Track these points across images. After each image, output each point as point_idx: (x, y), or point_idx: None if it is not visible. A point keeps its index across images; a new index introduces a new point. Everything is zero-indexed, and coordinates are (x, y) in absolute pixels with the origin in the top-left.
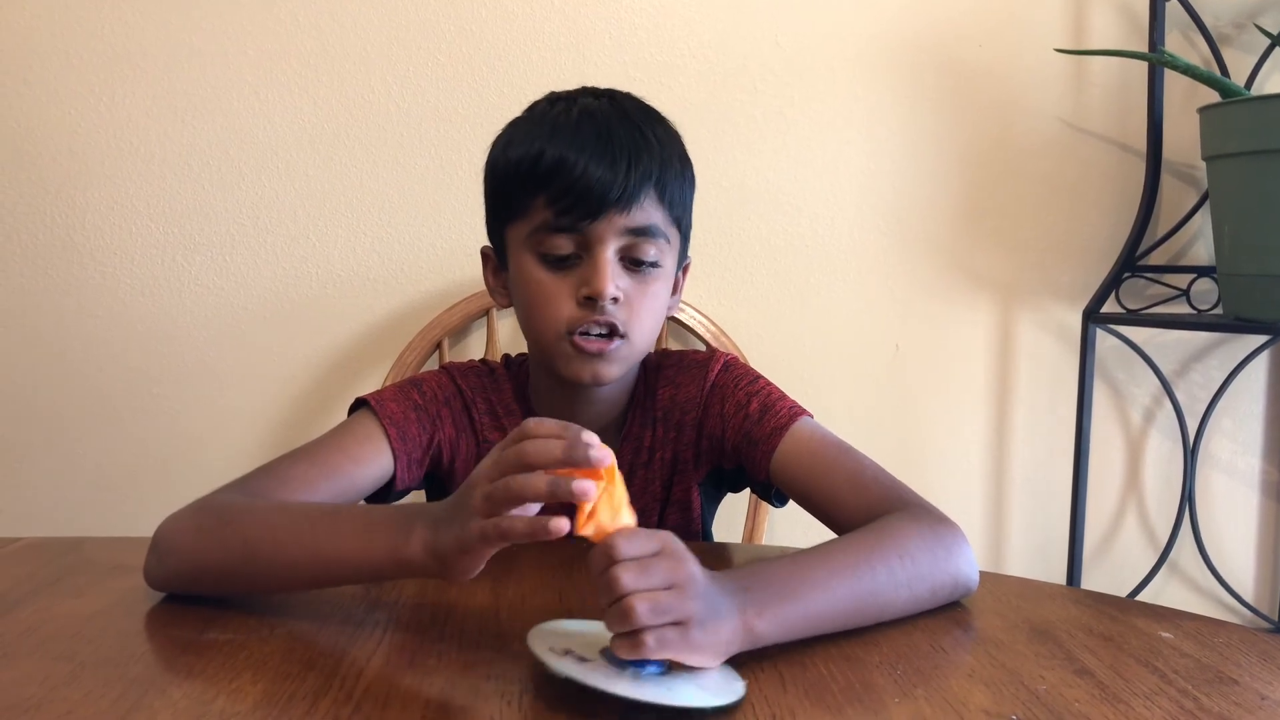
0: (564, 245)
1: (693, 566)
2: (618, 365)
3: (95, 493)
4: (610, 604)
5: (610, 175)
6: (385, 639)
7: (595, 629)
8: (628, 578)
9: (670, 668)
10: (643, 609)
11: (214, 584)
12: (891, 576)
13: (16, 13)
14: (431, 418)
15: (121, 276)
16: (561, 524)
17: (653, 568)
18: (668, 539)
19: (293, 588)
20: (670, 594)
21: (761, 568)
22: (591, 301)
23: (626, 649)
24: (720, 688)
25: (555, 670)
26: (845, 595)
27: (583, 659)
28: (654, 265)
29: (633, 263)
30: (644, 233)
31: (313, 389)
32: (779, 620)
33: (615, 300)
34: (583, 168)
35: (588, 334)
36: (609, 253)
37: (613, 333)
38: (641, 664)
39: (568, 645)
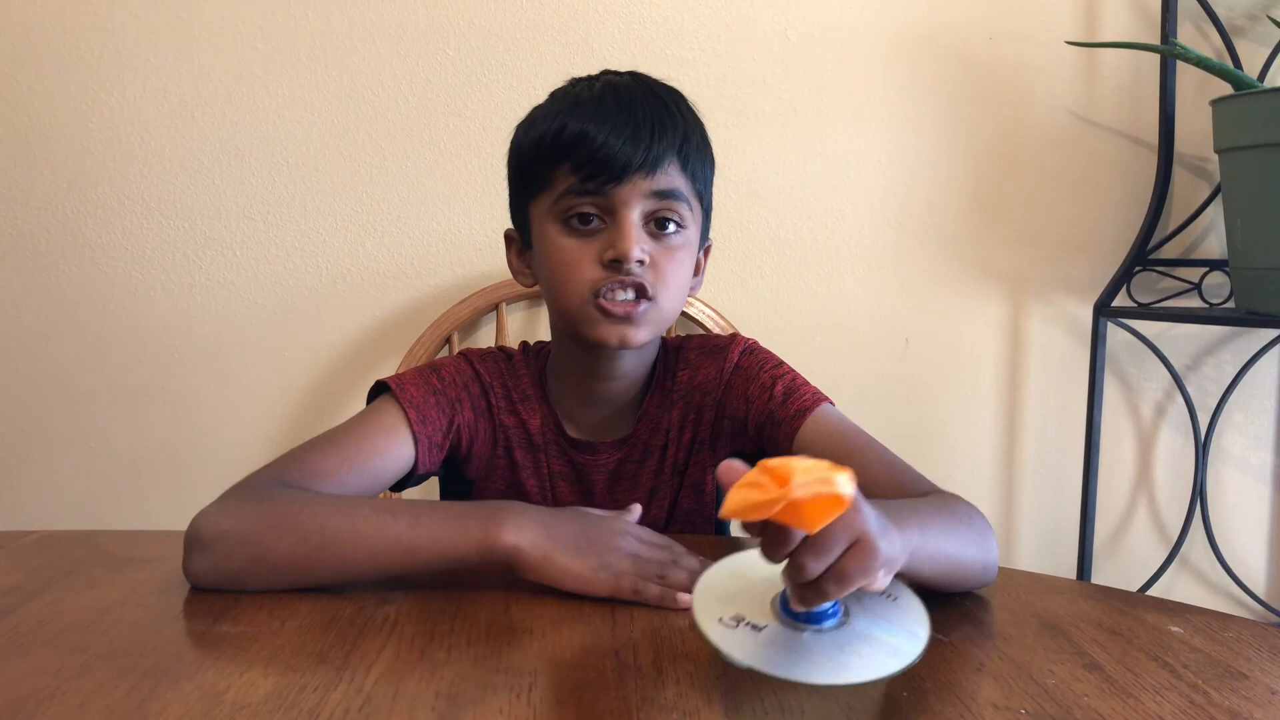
0: (588, 208)
1: (866, 511)
2: (645, 329)
3: (108, 486)
4: (798, 582)
5: (634, 141)
6: (396, 632)
7: (755, 565)
8: (812, 564)
9: (847, 612)
10: (834, 589)
11: (271, 571)
12: (970, 541)
13: (26, 9)
14: (451, 402)
15: (133, 271)
16: (686, 600)
17: (831, 541)
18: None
19: (358, 576)
20: (855, 558)
21: (883, 502)
22: (617, 264)
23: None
24: (901, 623)
25: (734, 661)
26: (951, 544)
27: (756, 626)
28: (679, 229)
29: (658, 225)
30: (668, 195)
31: (323, 383)
32: (919, 541)
33: (641, 263)
34: (605, 136)
35: (614, 298)
36: (634, 216)
37: (640, 294)
38: (819, 617)
39: (738, 610)
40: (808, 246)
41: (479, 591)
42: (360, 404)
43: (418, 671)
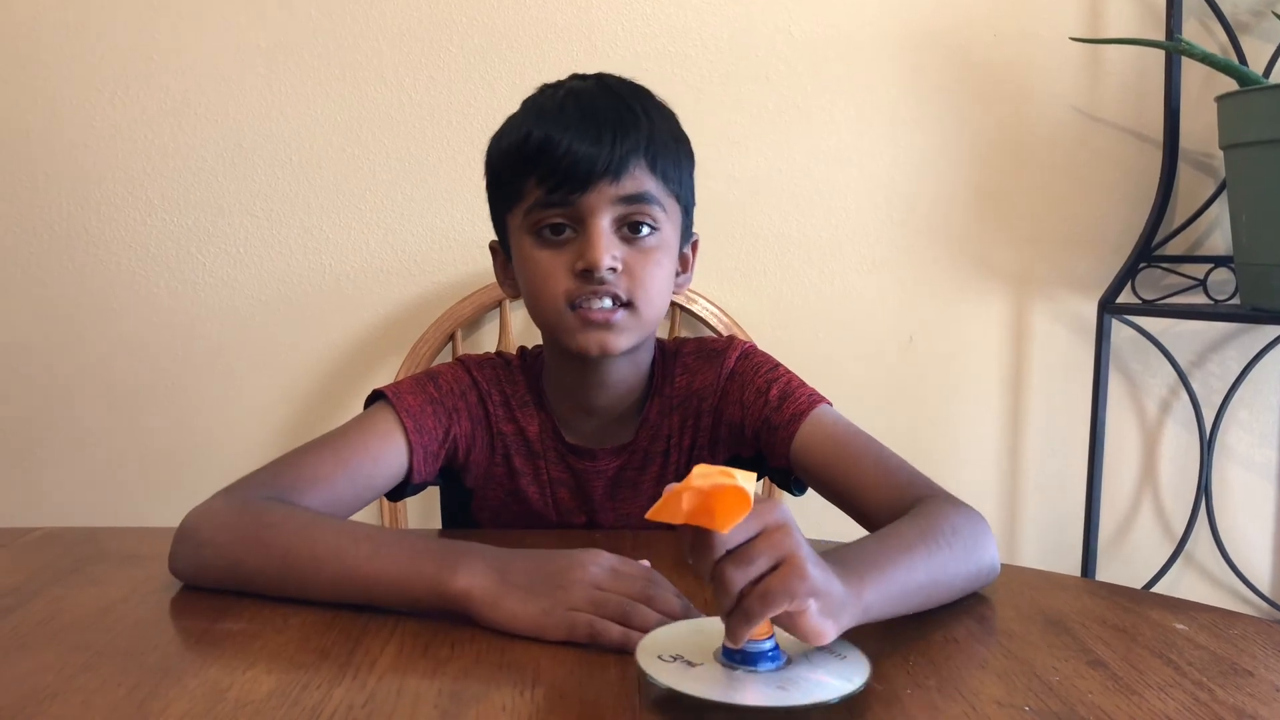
0: (557, 219)
1: (797, 537)
2: (625, 335)
3: (110, 483)
4: (725, 606)
5: (595, 148)
6: (398, 628)
7: (710, 625)
8: (733, 573)
9: (789, 662)
10: (757, 608)
11: (247, 582)
12: (951, 559)
13: (30, 8)
14: (448, 411)
15: (137, 268)
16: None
17: (755, 553)
18: (764, 512)
19: (324, 600)
20: (780, 577)
21: (841, 548)
22: (589, 274)
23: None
24: (841, 672)
25: (655, 682)
26: (922, 574)
27: (690, 663)
28: (652, 232)
29: (631, 230)
30: (637, 199)
31: (326, 380)
32: (879, 591)
33: (614, 270)
34: (567, 144)
35: (590, 306)
36: (603, 224)
37: (616, 302)
38: (756, 659)
39: (679, 651)
40: (811, 243)
41: None
42: (361, 403)
43: (421, 669)
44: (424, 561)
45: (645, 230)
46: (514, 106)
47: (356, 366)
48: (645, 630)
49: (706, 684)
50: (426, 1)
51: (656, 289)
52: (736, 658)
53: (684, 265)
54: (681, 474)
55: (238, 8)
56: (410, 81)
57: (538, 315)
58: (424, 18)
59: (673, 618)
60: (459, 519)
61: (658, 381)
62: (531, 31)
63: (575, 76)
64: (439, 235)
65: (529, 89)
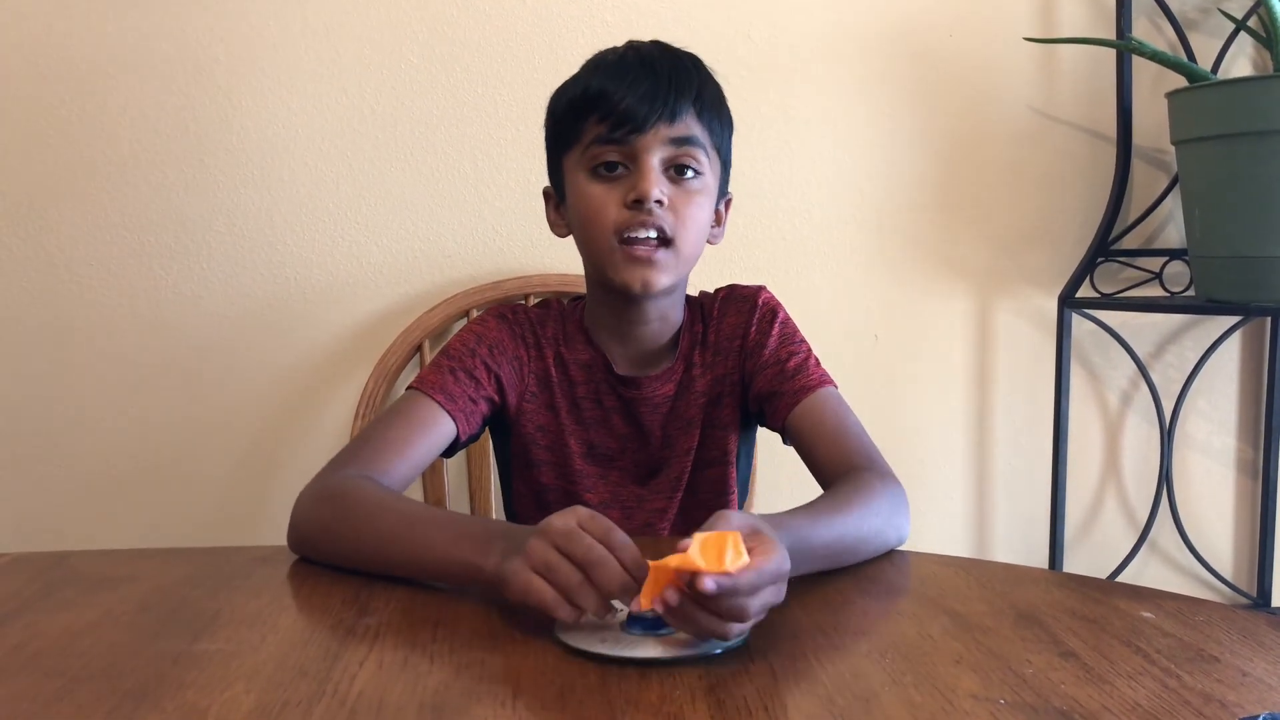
0: (613, 157)
1: (783, 589)
2: (666, 273)
3: (78, 504)
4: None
5: (652, 94)
6: (377, 643)
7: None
8: (755, 605)
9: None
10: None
11: (331, 560)
12: (870, 528)
13: None
14: (467, 370)
15: (98, 287)
16: (571, 615)
17: (764, 602)
18: (779, 559)
19: (393, 577)
20: (767, 604)
21: (793, 524)
22: (639, 204)
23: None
24: (711, 643)
25: (563, 641)
26: (846, 542)
27: (600, 630)
28: (696, 176)
29: (677, 171)
30: (685, 142)
31: (294, 395)
32: (807, 566)
33: (661, 203)
34: (625, 90)
35: (636, 240)
36: (654, 160)
37: (660, 237)
38: (655, 625)
39: (588, 619)
40: (774, 245)
41: (460, 599)
42: (330, 417)
43: (401, 682)
44: (462, 547)
45: (690, 173)
46: (477, 116)
47: (324, 381)
48: (583, 608)
49: (616, 646)
50: (386, 13)
51: (695, 229)
52: (638, 626)
53: (718, 220)
54: (702, 410)
55: (195, 21)
56: (373, 92)
57: (588, 246)
58: (384, 28)
59: (609, 594)
60: (518, 464)
61: (687, 322)
62: (493, 41)
63: (633, 41)
64: (405, 246)
65: (491, 98)
